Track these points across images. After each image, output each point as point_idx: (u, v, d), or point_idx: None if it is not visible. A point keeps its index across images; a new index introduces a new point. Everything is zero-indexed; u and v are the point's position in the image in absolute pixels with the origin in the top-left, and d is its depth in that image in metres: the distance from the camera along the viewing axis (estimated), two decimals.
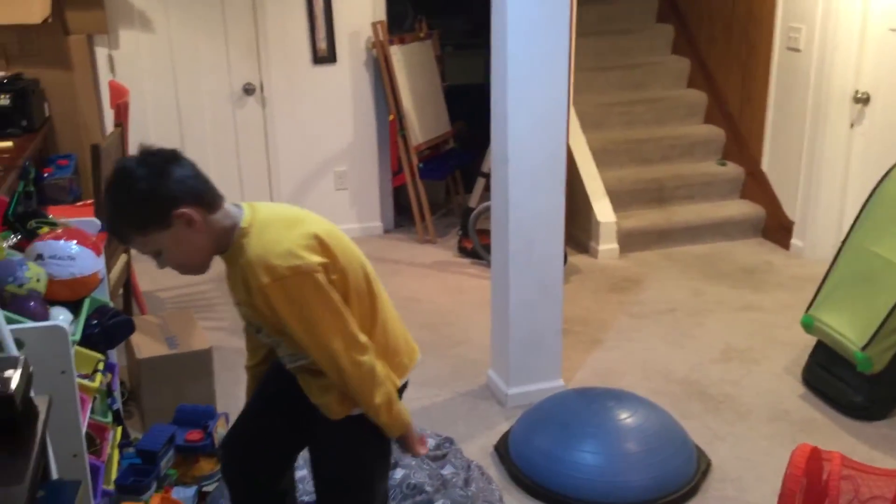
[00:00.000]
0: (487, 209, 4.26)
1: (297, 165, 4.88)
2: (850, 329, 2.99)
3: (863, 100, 4.25)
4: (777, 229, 4.79)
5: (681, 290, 4.19)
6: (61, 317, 2.03)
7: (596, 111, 5.16)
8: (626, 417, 2.67)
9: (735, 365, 3.41)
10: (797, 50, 4.48)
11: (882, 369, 2.92)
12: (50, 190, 3.79)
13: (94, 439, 2.19)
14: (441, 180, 5.36)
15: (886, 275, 2.94)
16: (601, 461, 2.56)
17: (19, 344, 1.80)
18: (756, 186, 4.95)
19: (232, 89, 4.70)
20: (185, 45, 4.58)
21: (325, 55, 4.74)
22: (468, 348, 3.59)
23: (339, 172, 4.95)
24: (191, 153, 5.30)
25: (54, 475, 1.68)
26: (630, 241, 4.73)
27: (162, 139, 4.62)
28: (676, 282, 4.30)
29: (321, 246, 1.71)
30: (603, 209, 4.69)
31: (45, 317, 1.98)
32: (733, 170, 5.06)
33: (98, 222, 2.61)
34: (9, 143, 3.62)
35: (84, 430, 1.99)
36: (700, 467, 2.68)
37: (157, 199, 1.67)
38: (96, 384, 2.13)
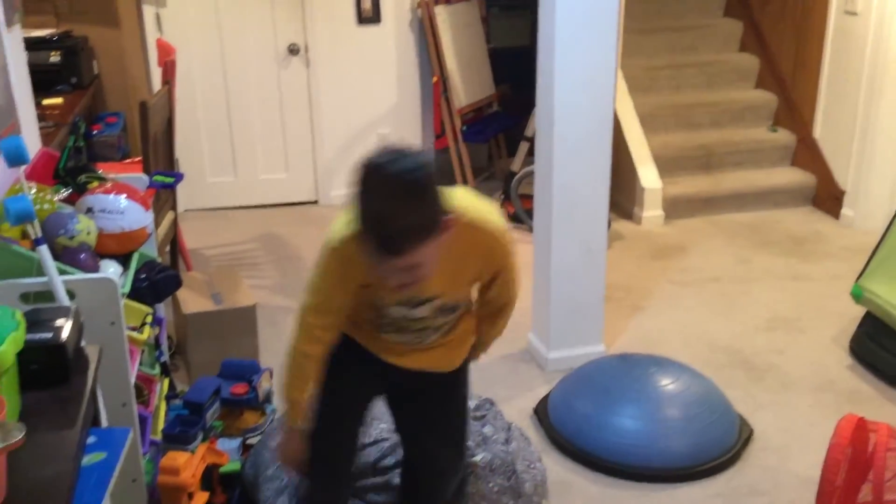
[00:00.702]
0: (530, 173, 4.21)
1: (340, 127, 4.88)
2: None
3: None
4: (827, 198, 4.67)
5: (726, 259, 4.12)
6: (111, 269, 2.07)
7: (644, 75, 5.05)
8: (667, 384, 2.65)
9: (780, 334, 3.36)
10: (854, 13, 4.32)
11: None
12: (98, 147, 3.85)
13: (142, 390, 2.24)
14: (484, 143, 5.32)
15: None
16: (641, 426, 2.54)
17: (71, 295, 1.84)
18: (807, 154, 4.82)
19: (277, 49, 4.70)
20: (230, 5, 4.58)
21: (369, 15, 4.71)
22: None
23: (381, 135, 4.93)
24: (235, 113, 5.38)
25: (104, 423, 1.72)
26: (675, 207, 4.65)
27: (208, 97, 4.68)
28: (722, 250, 4.23)
29: None
30: (648, 175, 4.61)
31: (96, 269, 2.02)
32: (784, 136, 4.94)
33: (146, 178, 2.64)
34: (59, 100, 3.67)
35: (133, 380, 2.04)
36: (742, 436, 2.65)
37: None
38: (144, 336, 2.17)
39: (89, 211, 2.14)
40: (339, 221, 1.66)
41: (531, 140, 4.41)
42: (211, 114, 4.74)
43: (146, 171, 3.01)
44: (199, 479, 2.10)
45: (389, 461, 2.14)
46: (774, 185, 4.76)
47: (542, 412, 2.81)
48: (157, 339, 2.44)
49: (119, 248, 2.19)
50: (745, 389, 2.97)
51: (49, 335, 1.43)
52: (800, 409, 2.85)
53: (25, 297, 1.84)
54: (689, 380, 2.68)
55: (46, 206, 2.09)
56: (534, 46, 2.91)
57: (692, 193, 4.68)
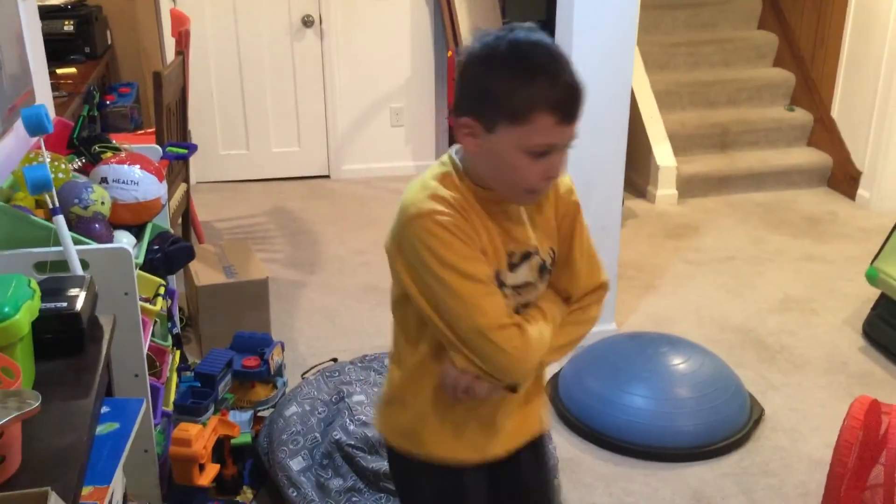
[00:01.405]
0: None
1: (354, 100, 4.85)
2: None
3: None
4: (844, 179, 4.62)
5: (740, 238, 4.09)
6: (125, 240, 2.07)
7: (661, 51, 4.99)
8: (679, 363, 2.64)
9: (793, 315, 3.34)
10: None
11: None
12: (112, 117, 3.84)
13: (155, 361, 2.25)
14: None
15: None
16: (652, 405, 2.54)
17: (84, 264, 1.84)
18: (824, 134, 4.77)
19: (291, 20, 4.67)
20: None
21: None
22: None
23: (395, 109, 4.91)
24: (248, 83, 5.36)
25: (117, 394, 1.73)
26: (690, 186, 4.62)
27: (221, 68, 4.66)
28: (736, 229, 4.20)
29: None
30: (663, 153, 4.58)
31: (110, 239, 2.02)
32: (802, 116, 4.88)
33: (159, 149, 2.64)
34: (72, 70, 3.66)
35: (146, 351, 2.04)
36: (753, 416, 2.65)
37: None
38: (157, 308, 2.18)
39: (103, 181, 2.13)
40: (413, 194, 1.29)
41: None
42: (224, 85, 4.72)
43: (159, 142, 3.00)
44: (210, 450, 2.11)
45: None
46: (790, 164, 4.71)
47: (552, 390, 2.81)
48: (169, 310, 2.45)
49: (133, 218, 2.19)
50: (756, 370, 2.96)
51: (64, 304, 1.43)
52: (811, 391, 2.84)
53: (40, 267, 1.84)
54: (700, 359, 2.67)
55: (61, 175, 2.09)
56: (550, 21, 2.88)
57: (707, 172, 4.64)
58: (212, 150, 4.78)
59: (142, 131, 3.76)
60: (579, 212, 1.42)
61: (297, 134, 4.88)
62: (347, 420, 2.15)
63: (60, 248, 1.81)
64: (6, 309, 1.28)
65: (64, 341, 1.42)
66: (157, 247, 2.30)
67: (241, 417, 2.30)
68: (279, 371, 2.46)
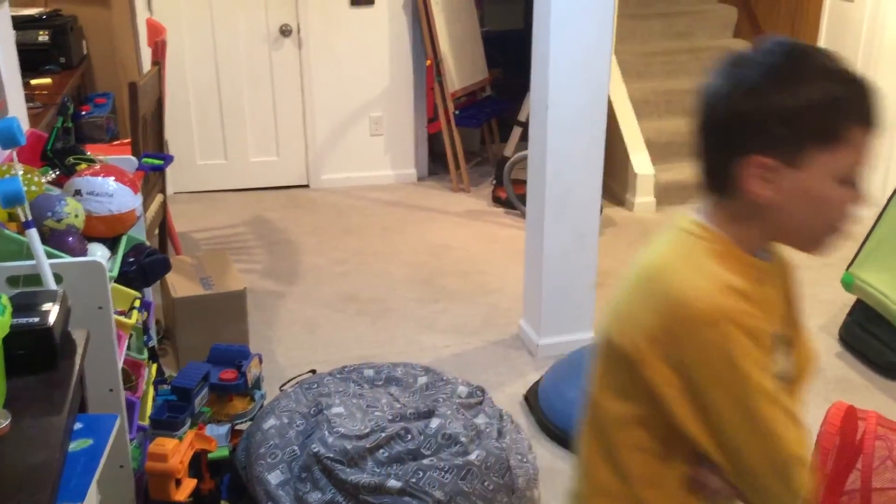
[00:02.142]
0: (523, 158, 4.20)
1: (333, 110, 4.84)
2: (892, 288, 2.92)
3: None
4: None
5: None
6: (99, 253, 2.05)
7: (637, 60, 5.03)
8: None
9: None
10: (850, 0, 4.31)
11: None
12: (87, 128, 3.81)
13: (130, 375, 2.22)
14: (477, 128, 5.30)
15: None
16: None
17: (58, 278, 1.82)
18: None
19: (269, 30, 4.66)
20: None
21: None
22: (500, 297, 3.58)
23: (374, 118, 4.90)
24: (226, 95, 5.32)
25: (91, 409, 1.71)
26: (667, 194, 4.65)
27: (198, 78, 4.63)
28: None
29: None
30: (641, 161, 4.60)
31: (84, 252, 1.99)
32: None
33: (135, 160, 2.61)
34: (47, 80, 3.63)
35: (120, 365, 2.02)
36: None
37: None
38: (133, 321, 2.15)
39: (77, 193, 2.11)
40: (692, 283, 1.01)
41: (524, 125, 4.39)
42: (201, 95, 4.69)
43: (135, 153, 2.98)
44: (187, 465, 2.09)
45: (383, 454, 2.13)
46: None
47: (532, 399, 2.81)
48: (145, 323, 2.42)
49: (107, 230, 2.16)
50: None
51: (36, 319, 1.41)
52: None
53: (13, 281, 1.81)
54: None
55: (34, 188, 2.06)
56: (527, 30, 2.89)
57: (684, 180, 4.67)
58: (189, 159, 4.75)
59: (118, 142, 3.73)
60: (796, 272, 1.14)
61: (276, 143, 4.86)
62: (326, 432, 2.14)
63: (33, 262, 1.79)
64: None
65: (36, 357, 1.40)
66: (132, 259, 2.28)
67: (218, 431, 2.28)
68: (257, 384, 2.44)
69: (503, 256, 3.99)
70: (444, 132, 4.81)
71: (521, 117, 4.53)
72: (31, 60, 3.43)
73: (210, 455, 2.22)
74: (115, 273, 2.11)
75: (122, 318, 2.10)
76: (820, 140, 0.98)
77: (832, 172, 0.99)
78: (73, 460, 1.42)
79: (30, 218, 1.79)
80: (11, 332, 1.36)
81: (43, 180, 2.15)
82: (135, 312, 2.20)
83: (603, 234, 4.27)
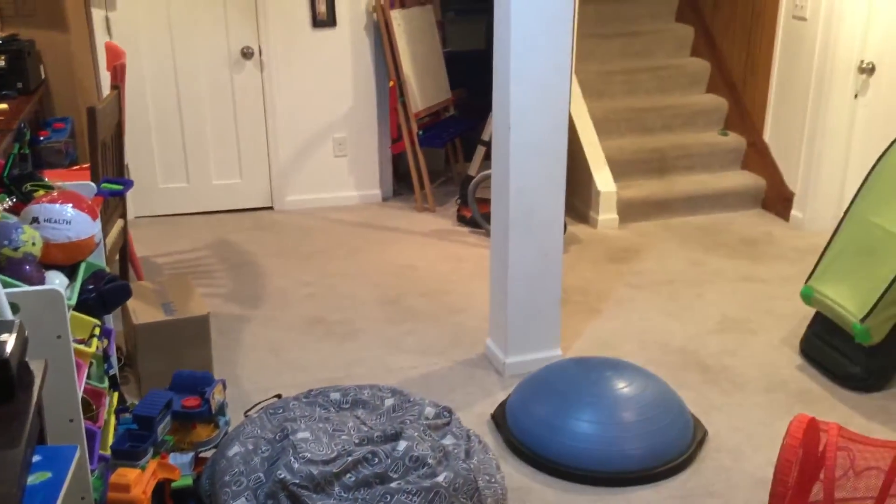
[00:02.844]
0: (487, 178, 4.23)
1: (296, 131, 4.83)
2: (849, 300, 2.98)
3: (868, 70, 4.21)
4: (777, 200, 4.77)
5: (680, 261, 4.18)
6: (57, 281, 2.01)
7: (598, 79, 5.10)
8: (623, 387, 2.67)
9: (733, 336, 3.41)
10: (803, 19, 4.42)
11: (880, 341, 2.92)
12: (46, 153, 3.75)
13: (91, 405, 2.18)
14: (441, 148, 5.32)
15: (887, 246, 2.92)
16: (598, 430, 2.56)
17: (15, 308, 1.78)
18: (757, 157, 4.92)
19: (230, 53, 4.64)
20: (182, 7, 4.51)
21: (324, 19, 4.68)
22: (466, 317, 3.58)
23: (338, 139, 4.90)
24: (188, 117, 5.29)
25: (51, 440, 1.67)
26: (630, 211, 4.70)
27: (159, 101, 4.60)
28: (676, 252, 4.29)
29: None
30: (603, 179, 4.66)
31: (41, 281, 1.96)
32: (735, 140, 5.03)
33: (94, 186, 2.58)
34: (4, 106, 3.57)
35: (80, 395, 1.98)
36: (696, 437, 2.69)
37: None
38: (92, 349, 2.11)
39: (34, 221, 2.07)
40: None
41: (488, 144, 4.42)
42: (163, 118, 4.65)
43: (94, 178, 2.94)
44: (150, 495, 2.05)
45: (350, 479, 2.11)
46: (725, 188, 4.84)
47: (499, 418, 2.81)
48: (105, 351, 2.38)
49: (65, 258, 2.13)
50: (698, 391, 3.01)
51: None
52: (752, 410, 2.89)
53: None
54: (644, 382, 2.71)
55: None
56: (490, 50, 2.92)
57: (646, 197, 4.73)
58: (151, 183, 4.70)
59: (77, 167, 3.68)
60: None
61: (239, 165, 4.84)
62: (292, 458, 2.12)
63: None
64: None
65: None
66: (91, 286, 2.24)
67: (181, 459, 2.24)
68: (221, 410, 2.41)
69: (469, 276, 4.00)
70: (408, 152, 4.83)
71: (485, 137, 4.57)
72: None
73: (174, 484, 2.18)
74: (74, 301, 2.07)
75: (81, 347, 2.06)
76: None
77: None
78: (31, 494, 1.39)
79: None
80: None
81: None
82: (94, 340, 2.16)
83: (567, 251, 4.31)
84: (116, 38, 4.40)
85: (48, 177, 2.52)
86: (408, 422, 2.35)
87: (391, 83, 4.74)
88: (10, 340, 1.42)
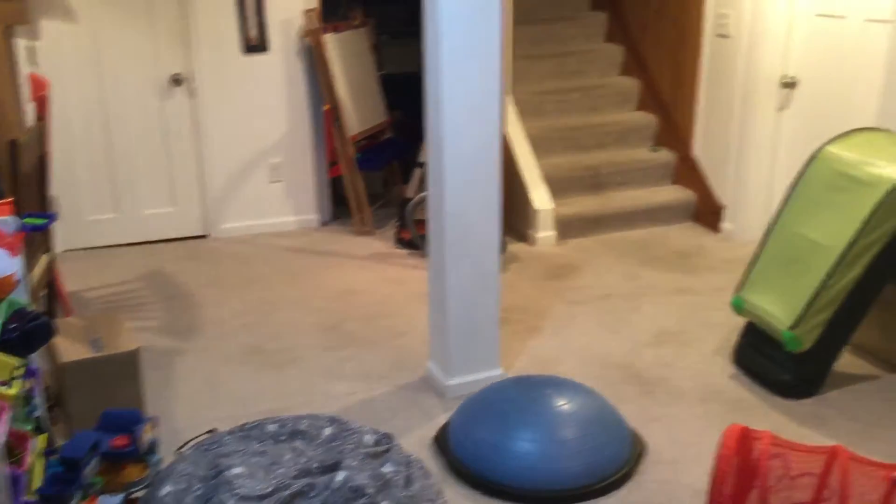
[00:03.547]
0: (425, 199, 4.23)
1: (229, 158, 4.77)
2: (778, 309, 3.06)
3: (790, 84, 4.35)
4: (708, 213, 4.88)
5: (616, 276, 4.23)
6: None
7: (532, 99, 5.17)
8: (563, 404, 2.68)
9: (668, 348, 3.47)
10: (726, 36, 4.56)
11: (809, 348, 3.00)
12: None
13: (14, 449, 2.09)
14: (378, 171, 5.31)
15: (812, 256, 3.01)
16: (539, 449, 2.56)
17: None
18: (687, 171, 5.03)
19: (159, 80, 4.57)
20: (109, 36, 4.43)
21: (256, 44, 4.64)
22: (408, 340, 3.56)
23: (273, 164, 4.86)
24: (116, 147, 5.19)
25: None
26: (567, 227, 4.76)
27: (86, 131, 4.49)
28: (612, 267, 4.35)
29: None
30: (540, 197, 4.71)
31: None
32: (666, 155, 5.14)
33: (15, 221, 2.49)
34: None
35: (3, 439, 1.90)
36: (636, 451, 2.71)
37: None
38: (14, 391, 2.03)
39: None
40: None
41: (425, 165, 4.43)
42: (91, 148, 4.55)
43: (16, 212, 2.84)
44: None
45: None
46: (658, 202, 4.94)
47: (442, 441, 2.79)
48: (30, 392, 2.30)
49: None
50: (637, 404, 3.04)
51: None
52: (689, 421, 2.94)
53: None
54: (583, 399, 2.72)
55: None
56: (422, 74, 2.93)
57: (582, 213, 4.80)
58: (78, 215, 4.58)
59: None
60: None
61: (171, 194, 4.75)
62: (227, 495, 2.06)
63: None
64: None
65: None
66: (14, 325, 2.16)
67: (111, 502, 2.17)
68: (152, 448, 2.34)
69: (409, 298, 3.99)
70: (346, 176, 4.81)
71: (422, 159, 4.58)
72: None
73: None
74: None
75: (2, 389, 1.98)
76: None
77: None
78: None
79: None
80: None
81: None
82: (17, 382, 2.08)
83: (507, 269, 4.33)
84: (42, 67, 4.29)
85: None
86: (346, 451, 2.32)
87: (326, 107, 4.72)
88: None
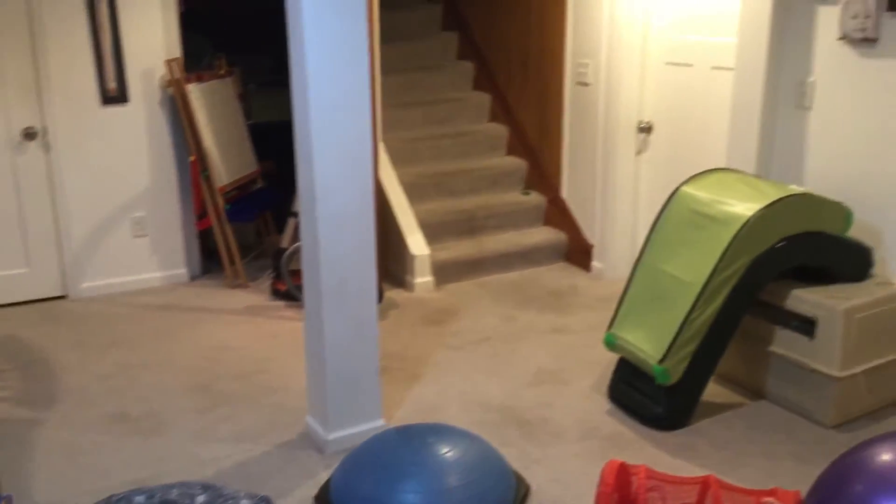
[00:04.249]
0: (300, 249, 4.16)
1: (89, 213, 4.54)
2: (647, 344, 3.17)
3: (646, 129, 4.59)
4: (579, 253, 5.05)
5: (494, 318, 4.29)
6: None
7: (405, 146, 5.22)
8: (446, 452, 2.66)
9: (547, 387, 3.52)
10: (586, 84, 4.78)
11: (678, 380, 3.12)
12: None
13: None
14: (250, 222, 5.19)
15: (676, 291, 3.15)
16: (425, 500, 2.52)
17: None
18: (558, 213, 5.20)
19: (10, 135, 4.30)
20: None
21: (115, 95, 4.46)
22: (285, 396, 3.46)
23: (136, 218, 4.65)
24: None
25: None
26: (445, 272, 4.79)
27: None
28: (490, 310, 4.40)
29: None
30: (416, 242, 4.73)
31: None
32: (536, 198, 5.29)
33: None
34: None
35: None
36: (520, 494, 2.72)
37: None
38: None
39: None
40: None
41: (299, 215, 4.36)
42: None
43: None
44: None
45: None
46: (531, 244, 5.06)
47: (323, 499, 2.70)
48: None
49: None
50: (519, 446, 3.06)
51: None
52: (569, 460, 2.98)
53: None
54: (466, 445, 2.71)
55: None
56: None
57: (459, 257, 4.85)
58: None
59: None
60: None
61: (25, 254, 4.45)
62: None
63: None
64: None
65: None
66: None
67: None
68: None
69: (286, 352, 3.88)
70: (216, 228, 4.66)
71: (295, 208, 4.51)
72: None
73: None
74: None
75: None
76: None
77: None
78: None
79: None
80: None
81: None
82: None
83: (386, 317, 4.30)
84: None
85: None
86: None
87: (192, 158, 4.58)
88: None
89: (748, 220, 3.03)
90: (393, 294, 4.64)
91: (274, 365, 3.75)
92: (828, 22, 3.45)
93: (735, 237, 3.03)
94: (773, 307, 3.27)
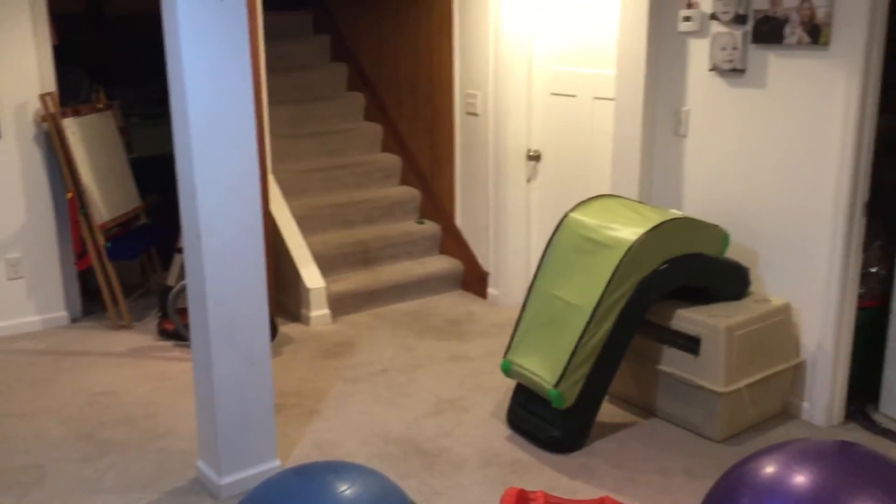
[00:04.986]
0: (187, 287, 4.01)
1: None
2: (542, 369, 3.21)
3: (535, 157, 4.70)
4: (474, 280, 5.09)
5: (393, 349, 4.25)
6: None
7: (296, 178, 5.15)
8: (345, 489, 2.59)
9: (447, 416, 3.51)
10: (475, 114, 4.86)
11: (573, 402, 3.17)
12: None
13: None
14: (134, 259, 4.98)
15: (568, 316, 3.21)
16: None
17: None
18: (452, 241, 5.24)
19: None
20: None
21: None
22: (174, 440, 3.31)
23: (11, 260, 4.39)
24: None
25: None
26: (341, 304, 4.73)
27: None
28: (388, 340, 4.37)
29: None
30: (311, 275, 4.65)
31: None
32: (431, 227, 5.31)
33: None
34: None
35: None
36: None
37: None
38: None
39: None
40: None
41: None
42: None
43: None
44: None
45: None
46: (427, 273, 5.07)
47: None
48: None
49: None
50: (420, 478, 3.03)
51: None
52: (471, 489, 2.97)
53: None
54: (365, 481, 2.65)
55: None
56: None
57: (355, 288, 4.80)
58: None
59: None
60: None
61: None
62: None
63: None
64: None
65: None
66: None
67: None
68: None
69: (175, 394, 3.72)
70: (97, 267, 4.45)
71: (181, 244, 4.35)
72: None
73: None
74: None
75: None
76: None
77: None
78: None
79: None
80: None
81: None
82: None
83: (281, 353, 4.20)
84: None
85: None
86: None
87: (69, 195, 4.37)
88: None
89: (633, 245, 3.13)
90: (288, 329, 4.54)
91: (162, 408, 3.59)
92: (699, 54, 3.64)
93: (621, 261, 3.12)
94: (660, 327, 3.39)
